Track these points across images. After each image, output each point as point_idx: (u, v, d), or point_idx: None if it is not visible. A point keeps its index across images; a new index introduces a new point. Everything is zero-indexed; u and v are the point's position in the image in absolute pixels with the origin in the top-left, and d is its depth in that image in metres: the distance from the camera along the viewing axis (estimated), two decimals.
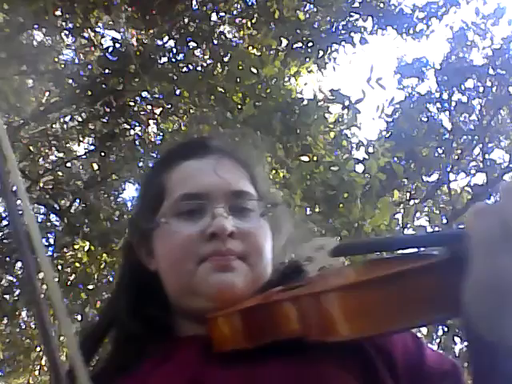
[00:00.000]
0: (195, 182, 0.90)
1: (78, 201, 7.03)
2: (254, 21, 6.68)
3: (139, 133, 6.49)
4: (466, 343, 0.64)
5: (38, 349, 8.25)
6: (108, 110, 6.03)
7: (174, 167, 0.94)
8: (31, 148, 7.12)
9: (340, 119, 5.61)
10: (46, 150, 7.42)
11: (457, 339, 4.98)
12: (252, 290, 0.86)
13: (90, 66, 6.39)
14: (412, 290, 0.59)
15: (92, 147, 7.16)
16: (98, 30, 6.56)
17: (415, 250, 0.68)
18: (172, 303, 0.90)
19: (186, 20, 6.32)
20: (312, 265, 0.81)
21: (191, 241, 0.86)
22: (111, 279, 6.67)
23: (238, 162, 0.96)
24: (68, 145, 7.54)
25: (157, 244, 0.91)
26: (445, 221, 11.01)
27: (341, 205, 4.58)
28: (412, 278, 0.60)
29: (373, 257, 0.77)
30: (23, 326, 8.33)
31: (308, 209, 4.79)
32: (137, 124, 6.44)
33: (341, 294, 0.61)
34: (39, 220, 7.38)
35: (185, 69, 5.99)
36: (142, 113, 6.32)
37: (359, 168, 4.92)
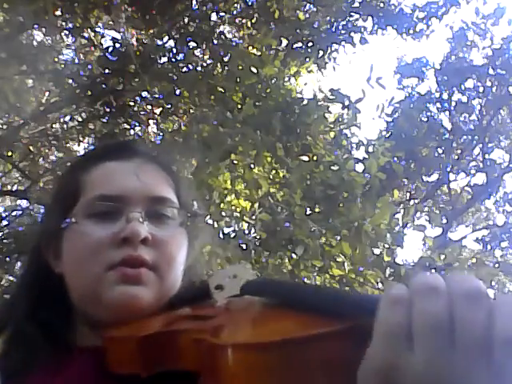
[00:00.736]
0: (113, 183, 0.86)
1: None
2: (253, 21, 6.69)
3: (139, 133, 6.49)
4: None
5: None
6: (108, 109, 6.03)
7: (93, 167, 0.89)
8: (31, 148, 7.12)
9: (340, 119, 5.61)
10: (46, 150, 7.42)
11: None
12: (159, 303, 0.83)
13: (89, 66, 6.40)
14: (314, 360, 0.57)
15: (92, 147, 7.15)
16: (98, 29, 6.57)
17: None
18: (75, 309, 0.86)
19: (186, 20, 6.33)
20: (222, 293, 0.78)
21: (101, 244, 0.81)
22: None
23: (162, 168, 0.93)
24: (68, 145, 7.54)
25: (65, 245, 0.86)
26: (445, 220, 11.01)
27: (341, 204, 4.58)
28: (316, 347, 0.58)
29: (283, 301, 0.72)
30: None
31: (308, 208, 4.78)
32: (137, 124, 6.44)
33: (241, 352, 0.59)
34: (39, 220, 7.37)
35: (185, 69, 5.99)
36: (142, 113, 6.32)
37: (359, 167, 4.93)
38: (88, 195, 0.85)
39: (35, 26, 6.34)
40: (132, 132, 6.48)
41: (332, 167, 4.81)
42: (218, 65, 5.90)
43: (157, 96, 5.99)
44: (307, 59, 6.82)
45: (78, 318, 0.86)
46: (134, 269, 0.80)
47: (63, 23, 6.14)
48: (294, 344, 0.58)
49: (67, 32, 6.41)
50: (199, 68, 6.13)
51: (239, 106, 5.07)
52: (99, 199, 0.84)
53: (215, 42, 6.20)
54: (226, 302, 0.77)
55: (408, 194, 11.53)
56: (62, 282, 0.86)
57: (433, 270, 4.71)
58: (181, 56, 6.12)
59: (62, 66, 7.04)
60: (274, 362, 0.58)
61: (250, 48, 6.58)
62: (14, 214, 7.64)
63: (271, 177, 5.20)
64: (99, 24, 6.62)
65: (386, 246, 4.69)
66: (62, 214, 0.86)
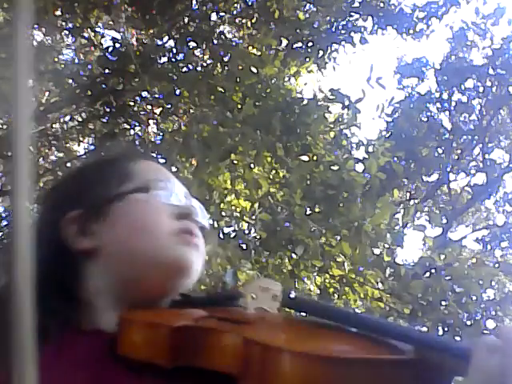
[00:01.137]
0: (163, 173, 0.98)
1: None
2: (253, 21, 6.69)
3: (139, 133, 6.48)
4: None
5: None
6: (108, 109, 6.02)
7: (138, 160, 0.99)
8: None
9: (340, 119, 5.61)
10: (46, 150, 7.42)
11: (457, 338, 4.98)
12: (195, 278, 0.90)
13: (89, 66, 6.39)
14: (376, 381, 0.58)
15: (92, 147, 7.15)
16: (98, 29, 6.57)
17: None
18: (93, 288, 0.86)
19: (186, 20, 6.32)
20: (254, 302, 0.80)
21: (166, 213, 0.89)
22: None
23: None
24: (68, 145, 7.54)
25: (115, 218, 0.88)
26: (445, 220, 11.01)
27: (341, 204, 4.57)
28: (381, 370, 0.58)
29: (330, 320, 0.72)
30: None
31: (308, 208, 4.78)
32: (137, 124, 6.43)
33: (302, 360, 0.58)
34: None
35: (185, 69, 5.99)
36: (142, 113, 6.31)
37: (359, 167, 4.92)
38: (140, 178, 0.93)
39: (35, 26, 6.33)
40: (132, 132, 6.48)
41: (332, 167, 4.81)
42: (218, 65, 5.90)
43: (157, 96, 5.99)
44: (307, 59, 6.81)
45: (92, 298, 0.85)
46: (193, 235, 0.90)
47: (63, 23, 6.14)
48: (363, 364, 0.58)
49: (67, 32, 6.41)
50: (199, 68, 6.12)
51: (239, 106, 5.07)
52: (153, 182, 0.92)
53: (215, 41, 6.19)
54: (257, 311, 0.79)
55: (408, 194, 11.53)
56: (77, 260, 0.87)
57: (433, 270, 4.72)
58: (181, 56, 6.12)
59: (62, 66, 7.04)
60: (335, 378, 0.57)
61: (250, 48, 6.58)
62: None
63: (271, 177, 5.20)
64: (99, 24, 6.63)
65: (386, 246, 4.69)
66: (109, 190, 0.90)
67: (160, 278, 0.85)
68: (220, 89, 5.41)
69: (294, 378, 0.57)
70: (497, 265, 9.17)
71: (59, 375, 0.73)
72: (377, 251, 4.81)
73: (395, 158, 5.88)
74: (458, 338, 4.85)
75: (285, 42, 6.64)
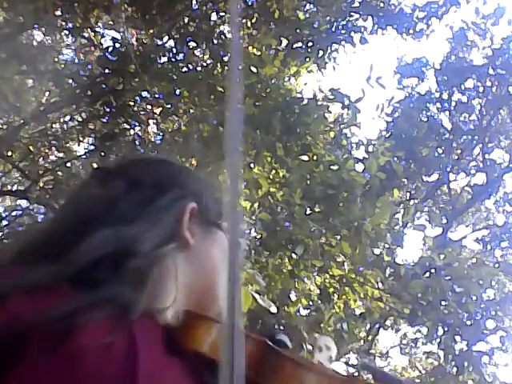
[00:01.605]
0: None
1: None
2: (253, 20, 6.68)
3: (139, 133, 6.48)
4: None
5: None
6: (108, 109, 6.02)
7: None
8: (31, 148, 7.12)
9: (340, 119, 5.61)
10: (46, 150, 7.42)
11: (457, 338, 4.98)
12: None
13: (89, 66, 6.39)
14: None
15: (92, 147, 7.15)
16: (97, 29, 6.56)
17: None
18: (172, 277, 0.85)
19: (186, 20, 6.32)
20: (320, 355, 0.84)
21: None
22: None
23: None
24: (68, 145, 7.54)
25: (215, 241, 0.91)
26: (445, 220, 11.00)
27: (341, 204, 4.57)
28: None
29: None
30: None
31: (308, 208, 4.78)
32: (137, 124, 6.43)
33: None
34: (39, 220, 7.38)
35: (185, 68, 5.99)
36: (142, 113, 6.32)
37: (359, 167, 4.92)
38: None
39: (35, 25, 6.34)
40: (132, 132, 6.48)
41: (332, 167, 4.81)
42: (218, 65, 5.89)
43: (157, 96, 5.99)
44: (307, 59, 6.81)
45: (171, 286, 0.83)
46: None
47: (63, 23, 6.14)
48: None
49: (67, 32, 6.40)
50: (199, 68, 6.12)
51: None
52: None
53: (215, 41, 6.19)
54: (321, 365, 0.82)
55: (408, 194, 11.53)
56: (171, 244, 0.84)
57: (432, 270, 4.71)
58: (181, 56, 6.12)
59: (62, 66, 7.04)
60: None
61: (250, 48, 6.57)
62: (13, 214, 7.65)
63: (271, 176, 5.20)
64: (99, 24, 6.62)
65: (386, 245, 4.69)
66: (219, 217, 0.92)
67: (214, 310, 0.86)
68: (220, 89, 5.41)
69: None
70: (497, 265, 9.17)
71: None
72: (377, 251, 4.81)
73: (395, 158, 5.88)
74: (457, 338, 4.85)
75: (285, 42, 6.64)
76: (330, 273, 4.82)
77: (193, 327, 0.76)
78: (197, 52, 6.37)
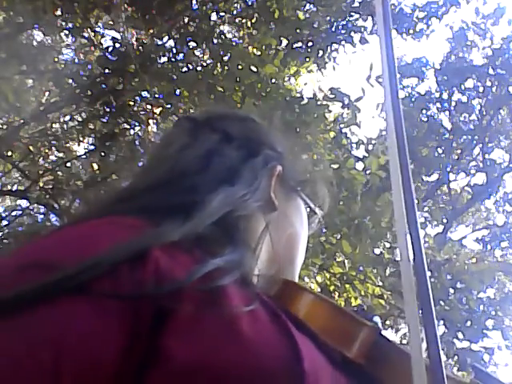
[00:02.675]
0: None
1: (77, 201, 7.02)
2: (253, 20, 6.69)
3: (139, 133, 6.48)
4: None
5: None
6: (108, 109, 6.02)
7: None
8: (31, 148, 7.12)
9: (340, 118, 5.61)
10: (46, 150, 7.42)
11: (460, 336, 4.98)
12: None
13: (89, 66, 6.39)
14: None
15: (92, 147, 7.15)
16: (97, 29, 6.56)
17: None
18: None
19: (186, 20, 6.32)
20: None
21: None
22: None
23: None
24: (68, 145, 7.54)
25: (288, 211, 0.88)
26: (445, 220, 11.00)
27: (341, 202, 4.58)
28: None
29: None
30: None
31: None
32: (137, 124, 6.43)
33: None
34: (39, 220, 7.38)
35: (184, 68, 5.99)
36: (142, 113, 6.32)
37: (359, 166, 4.93)
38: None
39: (35, 25, 6.34)
40: (132, 132, 6.48)
41: (332, 165, 4.81)
42: (218, 64, 5.90)
43: (157, 96, 5.99)
44: (307, 59, 6.82)
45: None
46: None
47: (63, 23, 6.14)
48: None
49: (67, 32, 6.40)
50: (199, 68, 6.12)
51: (239, 106, 5.07)
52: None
53: (215, 41, 6.19)
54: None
55: None
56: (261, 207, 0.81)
57: (433, 267, 4.72)
58: (181, 56, 6.12)
59: (62, 66, 7.04)
60: None
61: (250, 48, 6.58)
62: (13, 213, 7.65)
63: None
64: (99, 24, 6.63)
65: (387, 244, 4.69)
66: (290, 186, 0.91)
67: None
68: (220, 88, 5.41)
69: None
70: (497, 265, 9.17)
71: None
72: (377, 251, 4.81)
73: None
74: (460, 335, 4.86)
75: (285, 42, 6.64)
76: (331, 271, 4.82)
77: (298, 299, 0.72)
78: (196, 52, 6.37)
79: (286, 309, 0.68)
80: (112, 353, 0.51)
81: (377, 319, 0.72)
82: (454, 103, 11.71)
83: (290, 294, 0.73)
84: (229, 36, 6.87)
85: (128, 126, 6.37)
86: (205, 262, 0.61)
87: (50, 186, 6.88)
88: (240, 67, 5.24)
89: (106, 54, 5.74)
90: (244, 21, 6.80)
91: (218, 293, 0.59)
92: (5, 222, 6.80)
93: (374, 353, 0.65)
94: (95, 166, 7.20)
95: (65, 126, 7.37)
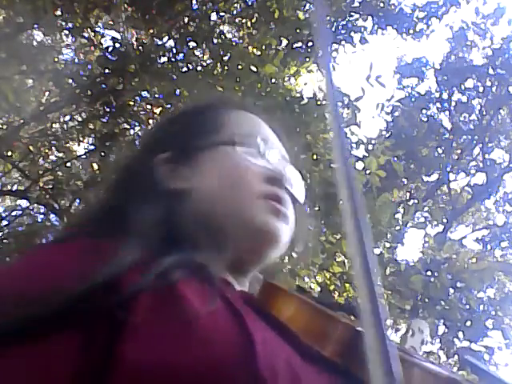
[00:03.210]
0: (258, 127, 0.92)
1: (77, 201, 7.02)
2: (253, 20, 6.69)
3: (139, 132, 6.49)
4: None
5: None
6: (108, 109, 6.03)
7: (234, 110, 0.95)
8: (31, 148, 7.12)
9: None
10: (46, 150, 7.42)
11: (460, 335, 4.98)
12: (282, 252, 0.86)
13: (89, 66, 6.40)
14: None
15: (92, 147, 7.15)
16: (97, 29, 6.57)
17: None
18: (189, 230, 0.81)
19: (186, 20, 6.33)
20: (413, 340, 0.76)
21: (253, 174, 0.83)
22: None
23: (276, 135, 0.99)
24: (68, 145, 7.54)
25: (207, 165, 0.85)
26: (445, 220, 11.00)
27: (340, 202, 4.57)
28: None
29: None
30: None
31: (308, 207, 4.78)
32: (137, 124, 6.43)
33: None
34: (39, 220, 7.38)
35: (184, 68, 5.99)
36: (142, 112, 6.32)
37: (359, 166, 4.93)
38: (233, 129, 0.89)
39: (35, 25, 6.34)
40: (132, 132, 6.48)
41: (332, 165, 4.81)
42: (218, 64, 5.90)
43: (156, 96, 5.99)
44: (307, 59, 6.82)
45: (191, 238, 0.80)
46: (282, 204, 0.84)
47: (63, 23, 6.15)
48: None
49: (67, 32, 6.41)
50: (199, 68, 6.13)
51: None
52: (246, 135, 0.87)
53: (215, 41, 6.20)
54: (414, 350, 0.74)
55: (408, 194, 11.53)
56: (170, 198, 0.82)
57: (433, 267, 4.72)
58: (181, 56, 6.12)
59: (62, 65, 7.04)
60: None
61: (250, 48, 6.58)
62: (13, 214, 7.65)
63: None
64: (99, 24, 6.63)
65: (387, 244, 4.69)
66: (201, 137, 0.88)
67: (247, 241, 0.81)
68: (220, 88, 5.41)
69: None
70: (496, 264, 9.17)
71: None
72: (377, 251, 4.81)
73: (395, 158, 5.88)
74: (460, 334, 4.86)
75: (285, 42, 6.65)
76: (331, 270, 4.82)
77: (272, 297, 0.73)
78: (196, 52, 6.37)
79: (260, 306, 0.70)
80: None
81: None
82: (454, 103, 11.72)
83: (269, 295, 0.74)
84: (229, 36, 6.87)
85: (128, 126, 6.37)
86: (154, 264, 0.64)
87: (50, 186, 6.88)
88: (240, 67, 5.25)
89: (106, 53, 5.74)
90: (244, 21, 6.80)
91: (172, 294, 0.62)
92: (5, 222, 6.81)
93: (349, 350, 0.65)
94: (95, 166, 7.20)
95: (65, 125, 7.37)
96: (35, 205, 7.02)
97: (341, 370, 0.64)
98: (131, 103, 6.23)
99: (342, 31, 6.94)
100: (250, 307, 0.69)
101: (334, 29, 6.91)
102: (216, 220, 0.82)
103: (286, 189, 0.86)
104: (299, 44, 6.71)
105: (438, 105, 11.76)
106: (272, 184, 0.84)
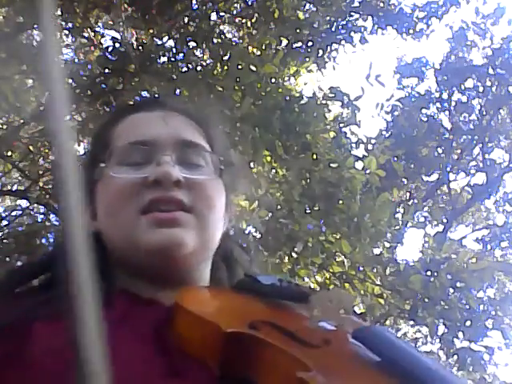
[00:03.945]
0: (141, 130, 0.85)
1: None
2: (253, 20, 6.69)
3: None
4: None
5: None
6: (108, 109, 6.03)
7: (121, 120, 0.89)
8: (31, 148, 7.12)
9: (339, 117, 5.61)
10: (46, 150, 7.42)
11: (460, 335, 4.98)
12: (203, 250, 0.80)
13: (89, 66, 6.40)
14: None
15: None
16: (97, 29, 6.57)
17: None
18: (118, 264, 0.80)
19: (186, 19, 6.33)
20: (320, 313, 0.71)
21: (132, 188, 0.78)
22: None
23: (192, 119, 0.90)
24: None
25: (99, 197, 0.83)
26: (445, 220, 11.00)
27: (340, 201, 4.58)
28: None
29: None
30: None
31: (308, 206, 4.79)
32: None
33: None
34: (39, 220, 7.38)
35: (184, 68, 5.99)
36: None
37: (359, 165, 4.93)
38: (117, 144, 0.84)
39: (35, 25, 6.34)
40: None
41: (331, 165, 4.82)
42: (218, 64, 5.90)
43: (157, 96, 5.99)
44: (307, 59, 6.82)
45: (120, 271, 0.80)
46: (168, 212, 0.77)
47: (63, 23, 6.15)
48: None
49: (67, 32, 6.41)
50: (199, 68, 6.13)
51: (238, 105, 5.07)
52: (127, 146, 0.82)
53: (215, 41, 6.19)
54: (320, 324, 0.71)
55: (408, 194, 11.53)
56: (99, 243, 0.79)
57: (433, 267, 4.72)
58: (180, 56, 6.12)
59: (62, 65, 7.03)
60: None
61: (250, 47, 6.58)
62: (13, 214, 7.65)
63: (271, 176, 5.21)
64: (99, 24, 6.63)
65: (387, 244, 4.70)
66: (93, 168, 0.84)
67: (153, 262, 0.77)
68: (220, 88, 5.41)
69: None
70: (496, 264, 9.16)
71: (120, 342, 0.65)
72: (377, 251, 4.82)
73: (395, 158, 5.89)
74: (460, 335, 4.86)
75: (285, 42, 6.65)
76: (331, 270, 4.82)
77: (173, 319, 0.71)
78: (196, 51, 6.37)
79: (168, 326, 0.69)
80: None
81: None
82: (453, 103, 11.72)
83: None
84: (229, 36, 6.87)
85: None
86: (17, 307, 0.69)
87: (50, 186, 6.88)
88: (240, 67, 5.25)
89: (106, 53, 5.74)
90: (244, 21, 6.80)
91: (23, 337, 0.65)
92: (5, 222, 6.80)
93: (225, 355, 0.63)
94: None
95: None
96: (35, 205, 7.01)
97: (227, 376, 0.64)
98: (131, 103, 6.23)
99: (342, 31, 6.93)
100: (153, 329, 0.69)
101: (334, 29, 6.90)
102: (122, 254, 0.80)
103: (183, 180, 0.79)
104: (299, 44, 6.71)
105: (438, 105, 11.75)
106: (155, 188, 0.78)
